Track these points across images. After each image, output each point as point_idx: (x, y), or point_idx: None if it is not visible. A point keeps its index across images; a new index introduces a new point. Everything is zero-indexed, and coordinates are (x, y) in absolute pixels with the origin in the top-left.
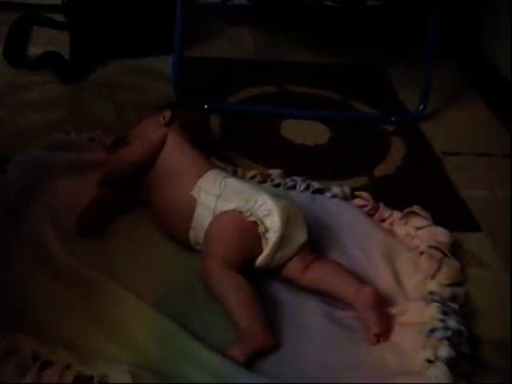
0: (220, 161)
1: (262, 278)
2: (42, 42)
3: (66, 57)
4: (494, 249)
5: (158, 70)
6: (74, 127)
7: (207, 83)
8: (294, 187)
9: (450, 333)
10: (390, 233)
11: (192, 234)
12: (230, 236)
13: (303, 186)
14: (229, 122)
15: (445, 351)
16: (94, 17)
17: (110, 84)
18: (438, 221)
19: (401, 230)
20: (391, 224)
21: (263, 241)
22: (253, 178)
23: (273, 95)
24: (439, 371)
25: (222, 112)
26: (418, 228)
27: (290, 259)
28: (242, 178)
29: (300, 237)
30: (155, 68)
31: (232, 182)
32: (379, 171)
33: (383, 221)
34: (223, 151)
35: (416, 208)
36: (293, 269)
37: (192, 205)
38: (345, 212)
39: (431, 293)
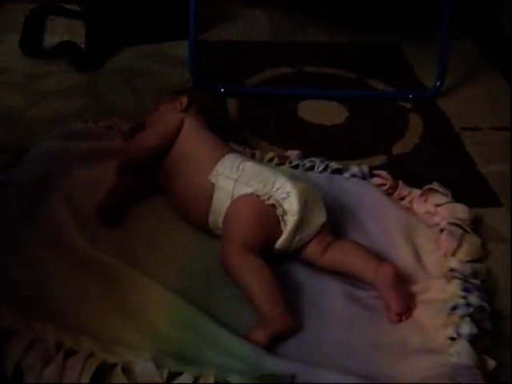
0: (238, 144)
1: (281, 261)
2: (58, 31)
3: (82, 45)
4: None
5: (173, 55)
6: (92, 116)
7: (223, 67)
8: (312, 168)
9: (471, 309)
10: (410, 211)
11: (211, 218)
12: (249, 220)
13: (321, 167)
14: (246, 104)
15: (467, 328)
16: (108, 4)
17: (126, 71)
18: (457, 197)
19: (420, 207)
20: (410, 202)
21: (282, 224)
22: (271, 160)
23: (289, 76)
24: (462, 348)
25: (238, 95)
26: (438, 205)
27: (309, 241)
28: (260, 160)
29: (319, 218)
30: (171, 53)
31: (250, 166)
32: (397, 149)
33: (402, 199)
34: (241, 134)
35: (435, 185)
36: (312, 250)
37: (210, 190)
38: (364, 191)
39: (452, 270)
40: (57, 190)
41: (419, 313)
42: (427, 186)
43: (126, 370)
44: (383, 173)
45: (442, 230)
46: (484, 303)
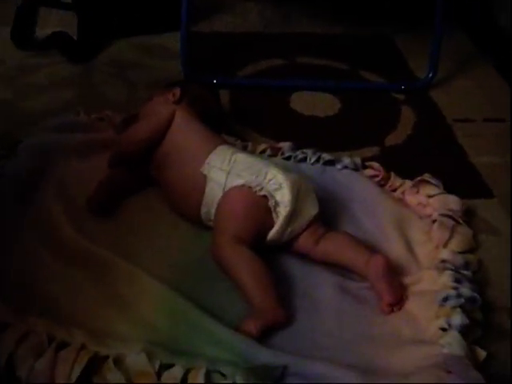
0: (230, 136)
1: (273, 253)
2: (50, 23)
3: (74, 37)
4: (506, 215)
5: (166, 47)
6: (84, 107)
7: (216, 58)
8: (304, 160)
9: (463, 300)
10: (402, 202)
11: (203, 210)
12: (241, 211)
13: (314, 159)
14: (238, 96)
15: (458, 319)
16: None
17: (118, 63)
18: (449, 188)
19: (412, 198)
20: (403, 193)
21: (274, 215)
22: (263, 151)
23: (281, 68)
24: (453, 339)
25: (231, 86)
26: (430, 196)
27: (301, 233)
28: (252, 152)
29: (311, 210)
30: (163, 45)
31: (242, 157)
32: (390, 141)
33: (394, 190)
34: (233, 126)
35: (427, 176)
36: (304, 242)
37: (202, 181)
38: (356, 183)
39: (444, 261)
40: (49, 181)
41: (411, 304)
42: (419, 178)
43: (118, 362)
44: (375, 164)
45: (433, 222)
46: (475, 294)
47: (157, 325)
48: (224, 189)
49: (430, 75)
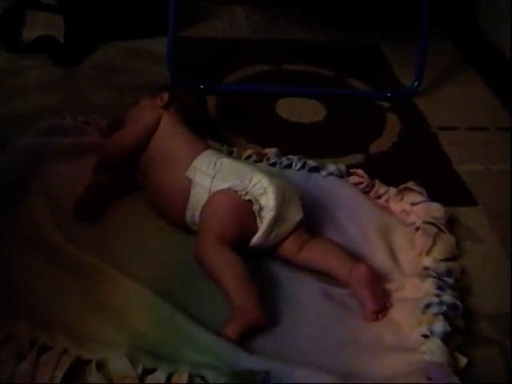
0: (216, 141)
1: (258, 257)
2: (36, 26)
3: (61, 40)
4: (489, 223)
5: (153, 52)
6: (70, 111)
7: (202, 64)
8: (289, 166)
9: (445, 307)
10: (386, 209)
11: (188, 214)
12: (225, 213)
13: (299, 165)
14: (225, 101)
15: (440, 326)
16: None
17: (105, 67)
18: (434, 196)
19: (396, 206)
20: (387, 201)
21: (258, 220)
22: (249, 157)
23: (268, 74)
24: (434, 346)
25: (217, 92)
26: (414, 204)
27: (285, 238)
28: (238, 157)
29: (295, 215)
30: (150, 49)
31: (227, 162)
32: (375, 148)
33: (379, 197)
34: (219, 131)
35: (411, 184)
36: (288, 248)
37: (188, 186)
38: (340, 190)
39: (426, 268)
40: (34, 185)
41: (393, 311)
42: (403, 185)
43: (101, 366)
44: (360, 171)
45: (417, 229)
46: (457, 301)
47: (140, 329)
48: (209, 193)
49: (416, 83)
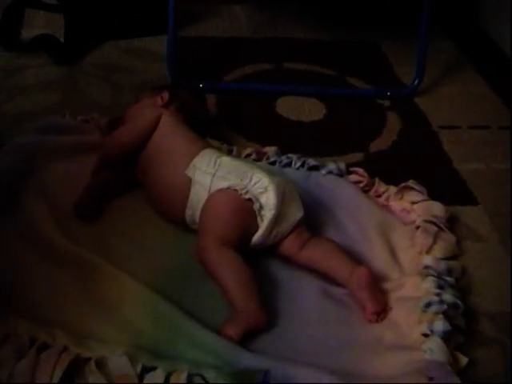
0: (215, 140)
1: (258, 256)
2: (36, 24)
3: (61, 39)
4: (489, 222)
5: (152, 51)
6: (70, 109)
7: (202, 62)
8: (289, 165)
9: (445, 306)
10: (386, 208)
11: (188, 213)
12: (226, 213)
13: (299, 164)
14: (224, 100)
15: (440, 325)
16: None
17: (105, 66)
18: (434, 195)
19: (396, 205)
20: (387, 199)
21: (258, 218)
22: (248, 156)
23: (268, 73)
24: (434, 345)
25: (217, 91)
26: (414, 203)
27: (285, 237)
28: (238, 156)
29: (296, 214)
30: (150, 48)
31: (227, 161)
32: (375, 147)
33: (379, 196)
34: (219, 130)
35: (411, 183)
36: (289, 246)
37: (187, 184)
38: (340, 188)
39: (427, 267)
40: (33, 184)
41: (394, 310)
42: (403, 184)
43: (100, 364)
44: (360, 170)
45: (417, 228)
46: (457, 300)
47: (140, 328)
48: (209, 192)
49: (416, 82)
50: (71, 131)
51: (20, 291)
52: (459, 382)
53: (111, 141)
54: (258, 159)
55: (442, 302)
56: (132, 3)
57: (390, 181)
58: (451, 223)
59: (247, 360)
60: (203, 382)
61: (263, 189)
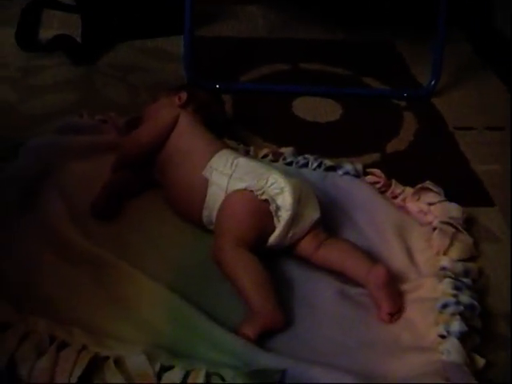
0: (232, 140)
1: (275, 257)
2: (54, 25)
3: (78, 39)
4: (506, 223)
5: (169, 51)
6: (88, 109)
7: (219, 63)
8: (306, 165)
9: (462, 308)
10: (403, 209)
11: (205, 214)
12: (242, 214)
13: (315, 164)
14: (241, 101)
15: (457, 326)
16: None
17: (122, 66)
18: (450, 196)
19: (413, 206)
20: (403, 200)
21: (275, 219)
22: (265, 156)
23: (284, 73)
24: (451, 346)
25: (233, 91)
26: (431, 204)
27: (302, 237)
28: (254, 157)
29: (312, 214)
30: (166, 49)
31: (244, 162)
32: (391, 147)
33: (395, 197)
34: (235, 131)
35: (428, 184)
36: (306, 247)
37: (204, 185)
38: (357, 189)
39: (443, 268)
40: (52, 183)
41: (410, 311)
42: (420, 185)
43: (118, 363)
44: (377, 171)
45: (434, 229)
46: (474, 302)
47: (158, 327)
48: (226, 192)
49: (433, 82)
50: (89, 131)
51: (38, 290)
52: (476, 383)
53: (130, 141)
54: (275, 160)
55: (458, 303)
56: (148, 4)
57: (406, 181)
58: (468, 224)
59: (265, 360)
60: (221, 381)
61: (279, 190)
